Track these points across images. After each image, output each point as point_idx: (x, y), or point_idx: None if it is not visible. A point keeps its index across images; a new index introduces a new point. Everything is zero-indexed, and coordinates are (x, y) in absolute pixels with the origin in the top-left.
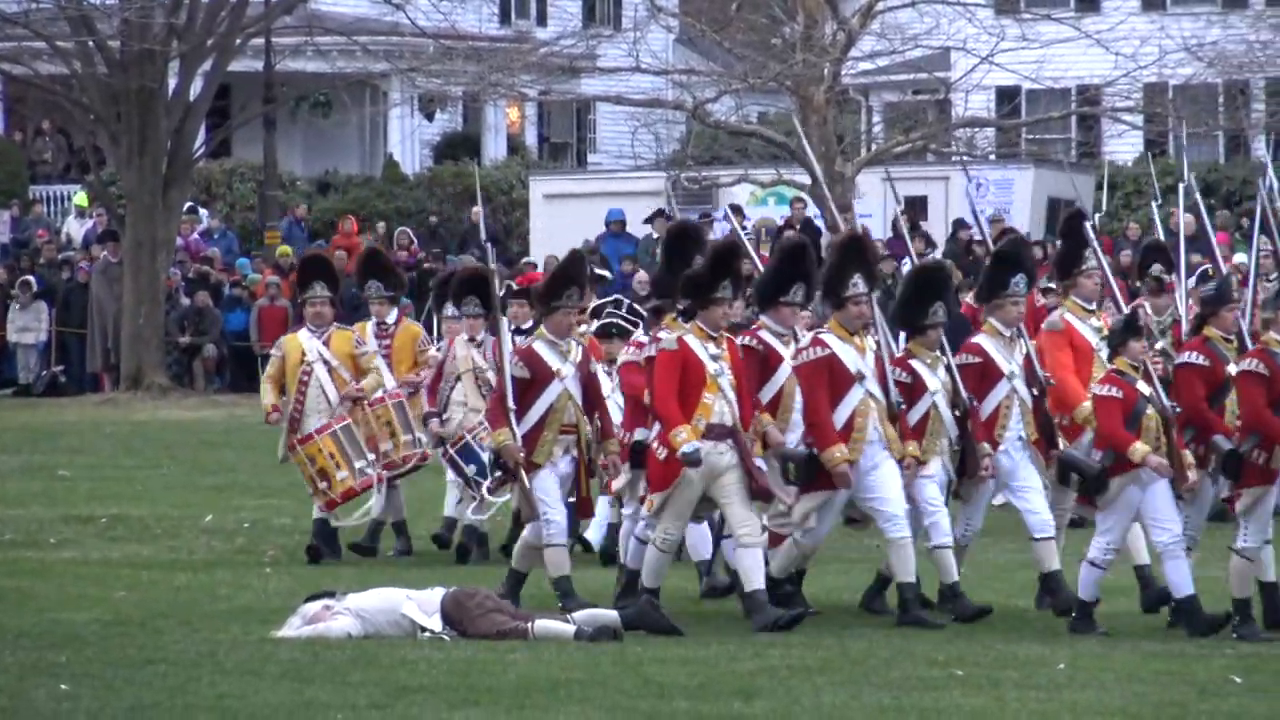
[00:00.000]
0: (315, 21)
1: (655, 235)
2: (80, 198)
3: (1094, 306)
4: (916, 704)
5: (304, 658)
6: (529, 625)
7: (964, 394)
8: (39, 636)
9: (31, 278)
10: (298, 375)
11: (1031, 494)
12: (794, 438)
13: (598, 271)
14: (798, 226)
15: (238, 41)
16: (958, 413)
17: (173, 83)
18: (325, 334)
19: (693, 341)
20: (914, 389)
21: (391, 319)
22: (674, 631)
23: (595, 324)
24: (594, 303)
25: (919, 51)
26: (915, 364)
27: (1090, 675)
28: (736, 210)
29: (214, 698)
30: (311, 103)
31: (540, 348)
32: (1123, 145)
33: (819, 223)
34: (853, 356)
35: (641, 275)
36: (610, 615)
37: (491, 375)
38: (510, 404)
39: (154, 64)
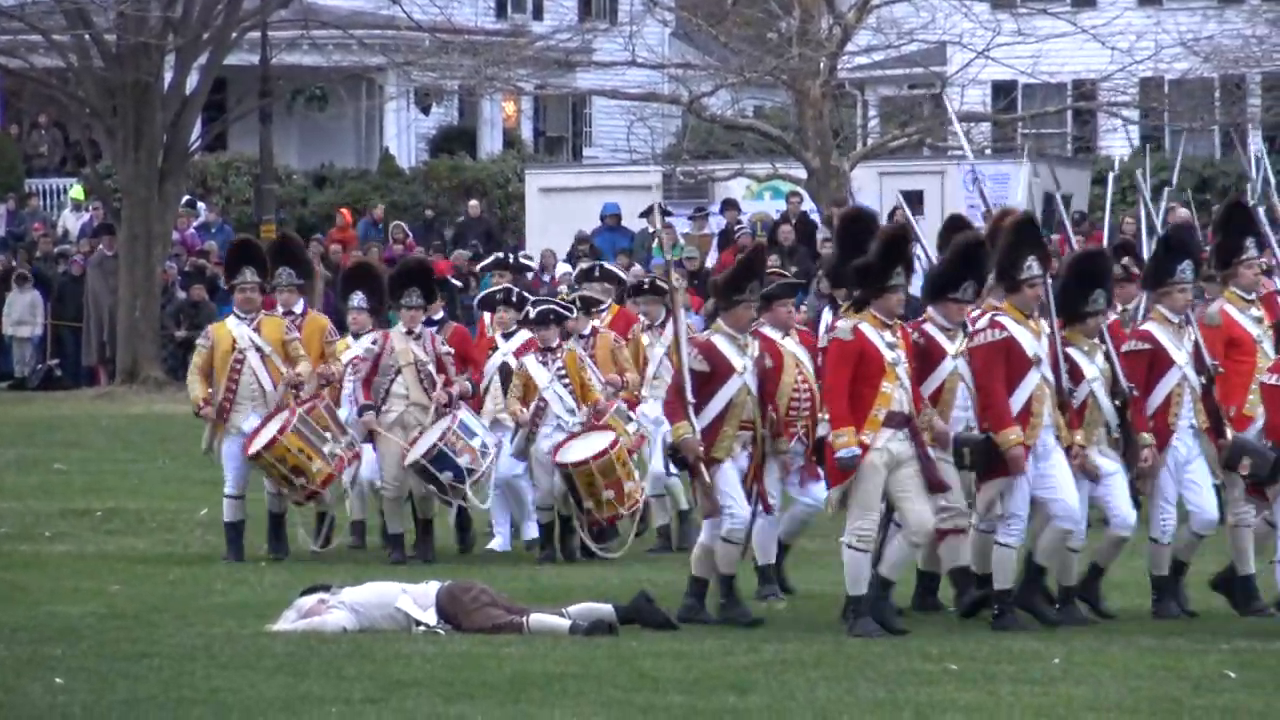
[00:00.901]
0: (311, 15)
1: (650, 230)
2: (76, 191)
3: (1253, 297)
4: (911, 698)
5: (299, 651)
6: (524, 620)
7: (1124, 383)
8: (34, 630)
9: (28, 270)
10: (228, 364)
11: (1199, 489)
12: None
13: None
14: (794, 221)
15: (234, 35)
16: (1118, 402)
17: (168, 76)
18: (255, 320)
19: (869, 330)
20: (1072, 377)
21: (299, 309)
22: (669, 626)
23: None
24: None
25: (915, 46)
26: (1073, 352)
27: (1085, 670)
28: (730, 204)
29: (208, 691)
30: (307, 96)
31: (720, 342)
32: (1118, 140)
33: (815, 217)
34: (1029, 340)
35: (638, 269)
36: (605, 609)
37: (432, 368)
38: (689, 398)
39: (150, 58)
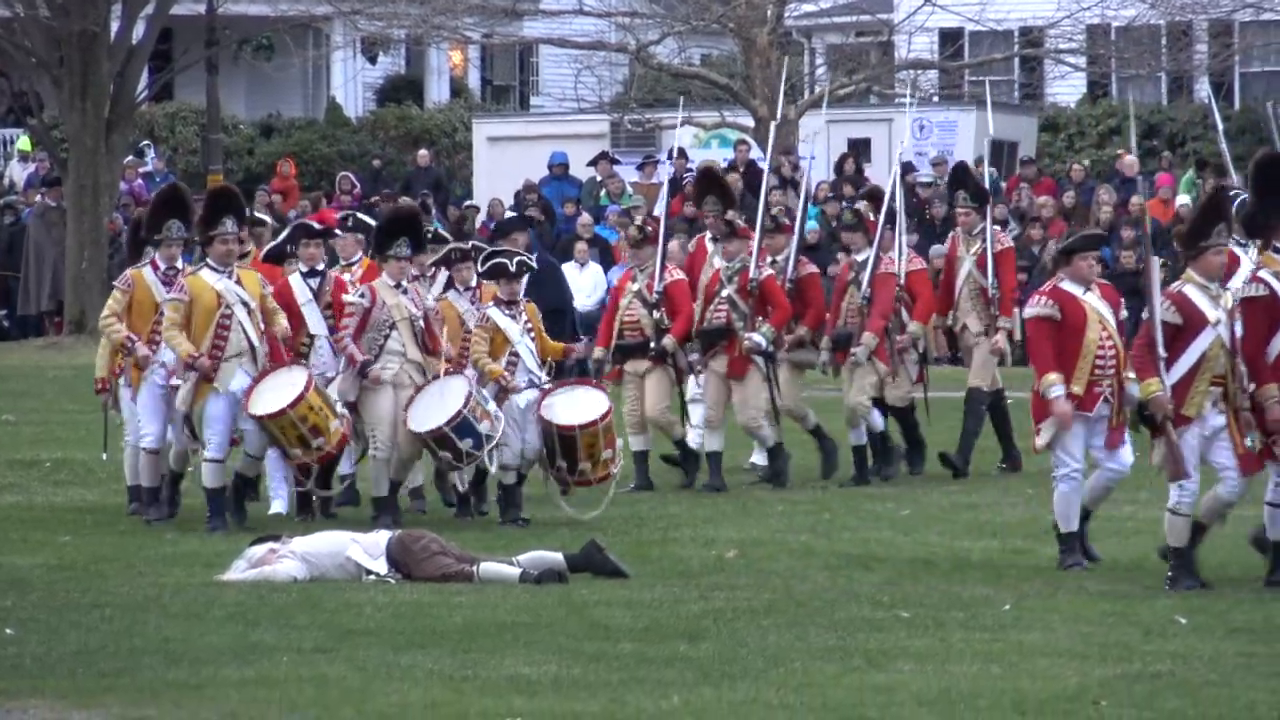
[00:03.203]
0: None
1: (599, 178)
2: (23, 142)
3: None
4: (862, 645)
5: (249, 601)
6: (474, 568)
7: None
8: None
9: None
10: (214, 319)
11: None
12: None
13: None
14: (741, 169)
15: None
16: None
17: (115, 26)
18: (233, 274)
19: (1192, 292)
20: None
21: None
22: (620, 574)
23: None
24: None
25: None
26: (1190, 291)
27: (1036, 616)
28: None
29: (159, 641)
30: (254, 46)
31: (1192, 292)
32: (1065, 87)
33: (762, 165)
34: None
35: (585, 218)
36: (555, 558)
37: (420, 323)
38: (1160, 351)
39: (96, 7)
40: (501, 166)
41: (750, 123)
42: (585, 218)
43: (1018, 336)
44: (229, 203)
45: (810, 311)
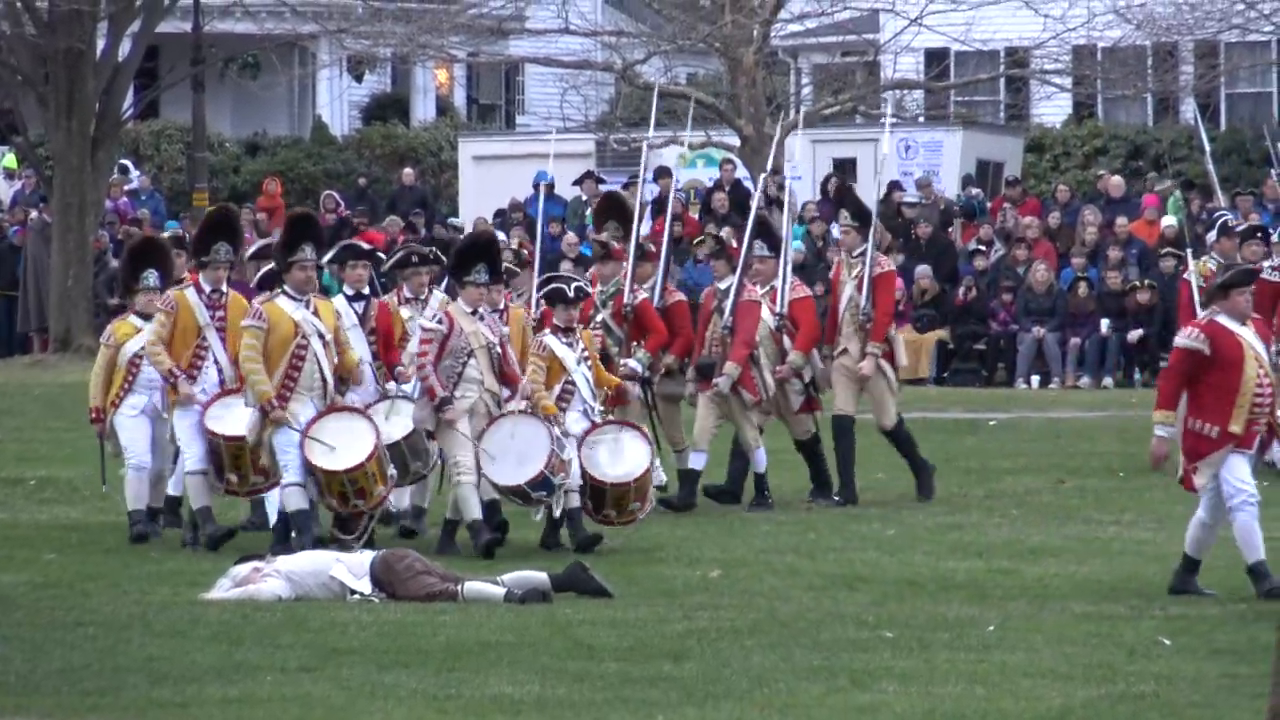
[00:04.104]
0: None
1: (584, 198)
2: (9, 159)
3: None
4: (846, 665)
5: (234, 620)
6: (458, 588)
7: None
8: None
9: None
10: (289, 349)
11: None
12: None
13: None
14: (727, 188)
15: (166, 2)
16: None
17: (101, 44)
18: (310, 303)
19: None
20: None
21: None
22: (604, 594)
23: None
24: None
25: (848, 13)
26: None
27: (1020, 636)
28: (665, 172)
29: (143, 659)
30: (240, 64)
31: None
32: (1051, 108)
33: (748, 184)
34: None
35: (571, 237)
36: (540, 577)
37: (497, 351)
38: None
39: (82, 25)
40: (487, 185)
41: (736, 142)
42: (571, 237)
43: (903, 361)
44: (308, 228)
45: (678, 340)
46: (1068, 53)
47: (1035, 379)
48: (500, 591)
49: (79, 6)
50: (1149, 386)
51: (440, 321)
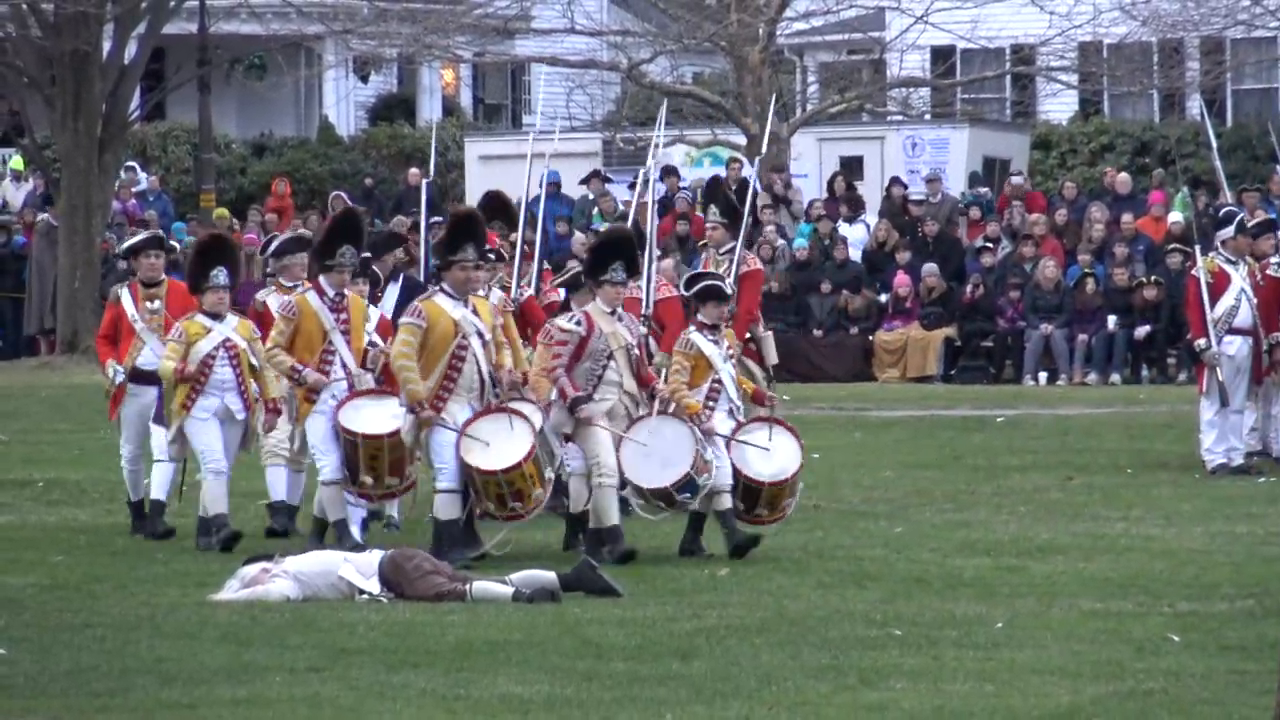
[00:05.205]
0: None
1: (591, 196)
2: (16, 161)
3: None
4: (855, 664)
5: (242, 621)
6: (467, 587)
7: None
8: None
9: None
10: (449, 349)
11: None
12: None
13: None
14: (734, 187)
15: (172, 4)
16: None
17: (107, 45)
18: (469, 302)
19: None
20: None
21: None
22: (612, 593)
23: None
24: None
25: (853, 11)
26: None
27: (1028, 634)
28: (670, 171)
29: (152, 660)
30: (246, 65)
31: None
32: (1057, 104)
33: (754, 183)
34: None
35: (579, 237)
36: (548, 577)
37: (635, 352)
38: None
39: (88, 27)
40: (493, 185)
41: (742, 140)
42: (580, 236)
43: (773, 359)
44: (471, 228)
45: (664, 338)
46: (1074, 50)
47: (1043, 376)
48: (508, 591)
49: (85, 8)
50: (1156, 383)
51: (578, 323)
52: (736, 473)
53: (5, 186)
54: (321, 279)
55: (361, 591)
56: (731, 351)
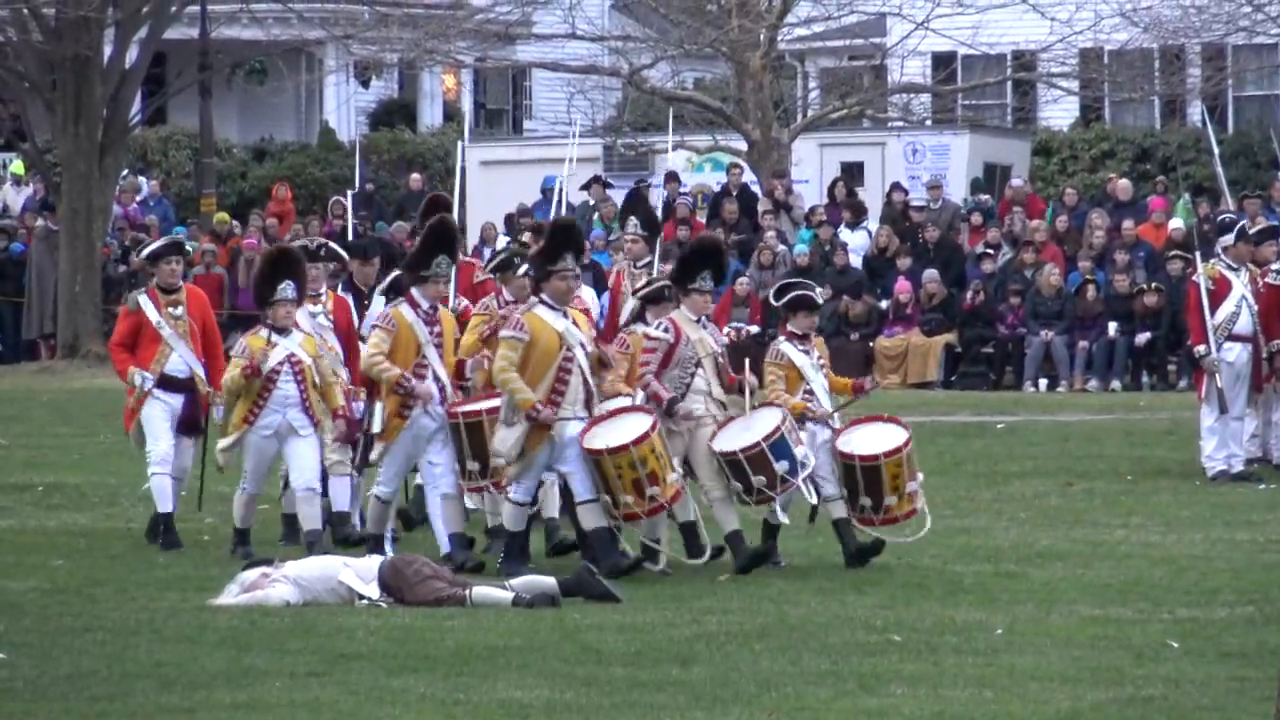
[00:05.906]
0: None
1: (591, 201)
2: (17, 166)
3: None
4: (855, 669)
5: (242, 625)
6: (467, 592)
7: None
8: None
9: None
10: (555, 362)
11: None
12: None
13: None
14: (735, 192)
15: (173, 8)
16: None
17: (108, 50)
18: (568, 313)
19: None
20: None
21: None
22: (612, 598)
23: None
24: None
25: (854, 17)
26: None
27: (1027, 640)
28: (671, 176)
29: (152, 665)
30: (247, 70)
31: None
32: (1058, 111)
33: (755, 189)
34: None
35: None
36: (548, 582)
37: (723, 359)
38: None
39: (89, 31)
40: (494, 190)
41: (743, 146)
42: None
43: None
44: (569, 238)
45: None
46: (1074, 56)
47: (1043, 382)
48: (508, 596)
49: (86, 13)
50: (1156, 389)
51: (666, 330)
52: (852, 464)
53: (6, 191)
54: (414, 291)
55: (361, 596)
56: (823, 361)
